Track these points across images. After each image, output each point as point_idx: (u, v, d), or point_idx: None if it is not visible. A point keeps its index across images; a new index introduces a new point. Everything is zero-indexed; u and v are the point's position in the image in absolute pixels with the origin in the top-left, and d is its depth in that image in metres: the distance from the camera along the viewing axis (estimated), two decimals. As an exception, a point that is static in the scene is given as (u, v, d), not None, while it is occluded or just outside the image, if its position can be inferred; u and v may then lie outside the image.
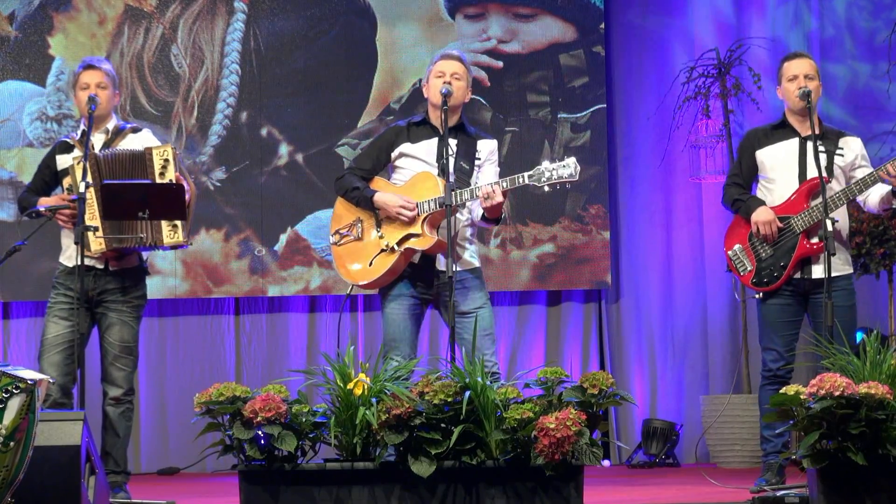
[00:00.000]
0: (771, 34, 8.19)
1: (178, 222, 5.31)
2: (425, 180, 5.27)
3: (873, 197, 5.55)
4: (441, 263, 5.27)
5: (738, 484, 5.69)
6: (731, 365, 8.07)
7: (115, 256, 5.43)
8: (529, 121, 8.17)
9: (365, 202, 5.36)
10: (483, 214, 5.29)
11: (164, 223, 5.30)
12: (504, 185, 5.17)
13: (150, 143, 5.56)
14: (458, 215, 5.31)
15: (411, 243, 5.25)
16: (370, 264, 5.31)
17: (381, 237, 5.31)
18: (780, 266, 5.54)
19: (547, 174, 5.15)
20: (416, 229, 5.25)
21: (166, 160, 5.34)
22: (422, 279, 5.30)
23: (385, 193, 5.33)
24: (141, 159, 5.37)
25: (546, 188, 5.18)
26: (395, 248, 5.26)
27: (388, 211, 5.29)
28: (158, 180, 5.28)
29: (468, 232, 5.41)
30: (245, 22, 8.29)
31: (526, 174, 5.18)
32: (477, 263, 5.42)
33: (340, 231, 5.44)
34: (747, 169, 5.72)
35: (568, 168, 5.13)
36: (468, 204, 5.34)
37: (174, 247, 5.42)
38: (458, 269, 5.30)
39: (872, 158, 5.79)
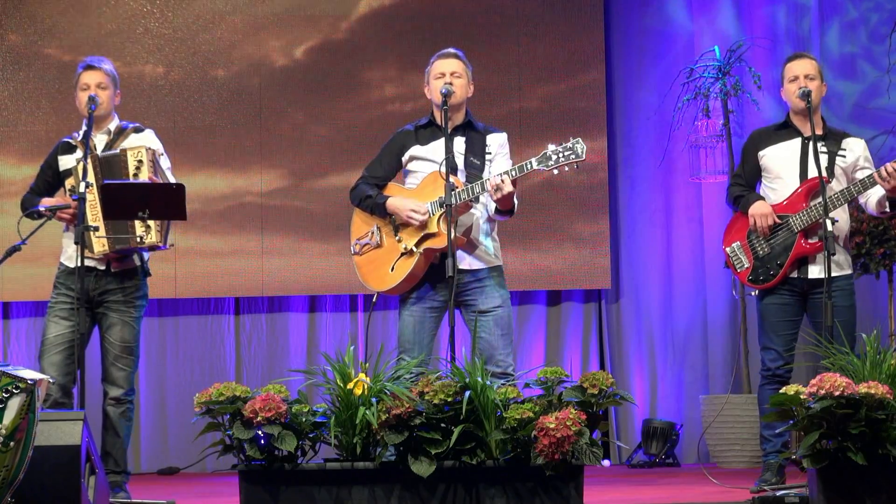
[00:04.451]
0: (771, 34, 8.19)
1: (152, 224, 5.31)
2: (436, 180, 5.27)
3: (872, 199, 5.56)
4: (462, 263, 5.27)
5: (738, 484, 5.69)
6: (731, 365, 8.08)
7: (117, 258, 5.43)
8: (529, 121, 8.16)
9: (379, 209, 5.36)
10: (497, 207, 5.28)
11: (137, 225, 5.28)
12: (513, 173, 5.17)
13: (152, 143, 5.56)
14: (472, 211, 5.31)
15: (430, 243, 5.25)
16: (392, 269, 5.31)
17: (399, 241, 5.31)
18: (777, 264, 5.55)
19: (554, 157, 5.13)
20: (432, 229, 5.25)
21: (140, 161, 5.34)
22: (441, 281, 5.28)
23: (396, 198, 5.33)
24: (116, 161, 5.37)
25: (555, 171, 5.17)
26: (415, 249, 5.26)
27: (399, 215, 5.29)
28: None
29: (486, 228, 5.40)
30: (245, 27, 8.30)
31: (534, 159, 5.17)
32: (497, 261, 5.41)
33: (360, 241, 5.44)
34: (750, 169, 5.74)
35: (574, 149, 5.11)
36: (482, 199, 5.33)
37: (150, 248, 5.41)
38: (479, 266, 5.31)
39: (872, 157, 5.80)
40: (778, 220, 5.56)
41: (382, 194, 5.40)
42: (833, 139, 5.63)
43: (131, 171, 5.33)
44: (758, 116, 7.78)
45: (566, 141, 5.14)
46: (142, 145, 5.42)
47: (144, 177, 5.31)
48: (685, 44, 8.26)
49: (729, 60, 7.88)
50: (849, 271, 5.60)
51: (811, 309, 5.58)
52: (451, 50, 5.47)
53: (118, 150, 5.41)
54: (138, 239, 5.30)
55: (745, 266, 5.65)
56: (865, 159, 5.66)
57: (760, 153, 5.70)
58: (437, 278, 5.29)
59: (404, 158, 5.45)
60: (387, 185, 5.46)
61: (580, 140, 5.12)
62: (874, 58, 8.18)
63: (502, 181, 5.12)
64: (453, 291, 5.03)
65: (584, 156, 5.10)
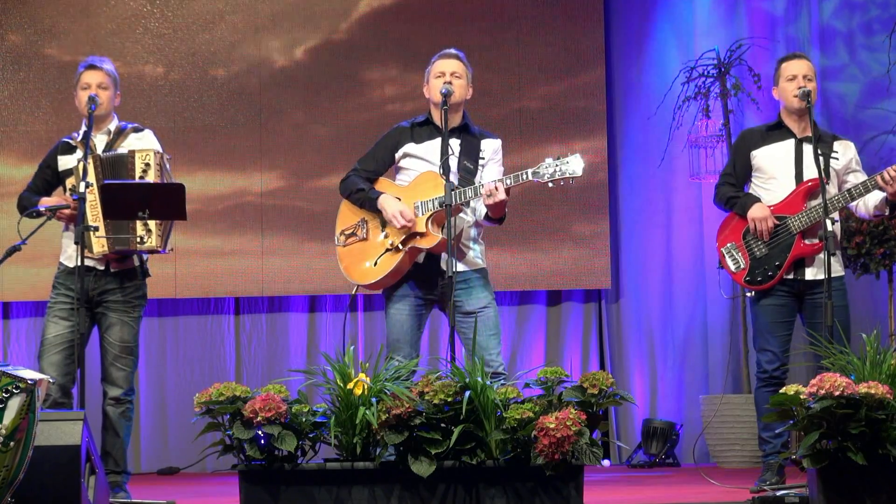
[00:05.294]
0: (771, 34, 8.19)
1: (153, 227, 5.30)
2: (429, 180, 5.27)
3: (869, 202, 5.55)
4: (447, 264, 5.26)
5: (738, 484, 5.69)
6: (731, 365, 8.07)
7: (117, 258, 5.43)
8: (529, 121, 8.17)
9: (369, 203, 5.36)
10: (487, 213, 5.28)
11: (138, 227, 5.28)
12: (507, 181, 5.16)
13: (152, 144, 5.56)
14: (461, 215, 5.30)
15: (416, 242, 5.25)
16: (375, 264, 5.30)
17: (385, 237, 5.31)
18: (775, 265, 5.54)
19: (551, 170, 5.13)
20: (420, 228, 5.24)
21: (147, 164, 5.34)
22: (426, 280, 5.29)
23: (388, 197, 5.32)
24: (122, 162, 5.37)
25: (550, 184, 5.16)
26: (400, 247, 5.26)
27: (385, 215, 5.28)
28: None
29: (473, 232, 5.39)
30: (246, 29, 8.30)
31: (529, 170, 5.16)
32: (482, 263, 5.40)
33: (345, 232, 5.43)
34: (741, 169, 5.72)
35: (572, 164, 5.10)
36: (472, 203, 5.32)
37: (149, 251, 5.40)
38: (464, 268, 5.30)
39: (872, 157, 5.80)
40: (777, 222, 5.55)
41: (375, 189, 5.39)
42: (826, 141, 5.62)
43: (138, 173, 5.33)
44: (758, 116, 7.78)
45: (565, 154, 5.13)
46: (151, 149, 5.42)
47: (150, 180, 5.30)
48: (685, 44, 8.26)
49: (729, 60, 7.88)
50: (841, 272, 5.60)
51: (807, 310, 5.57)
52: (453, 50, 5.47)
53: (126, 152, 5.40)
54: (138, 240, 5.30)
55: (742, 267, 5.63)
56: (856, 162, 5.66)
57: (753, 153, 5.68)
58: (422, 277, 5.30)
59: (398, 155, 5.44)
60: (378, 180, 5.46)
61: (578, 156, 5.10)
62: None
63: (496, 188, 5.12)
64: (452, 291, 5.02)
65: (580, 172, 5.09)
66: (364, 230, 5.38)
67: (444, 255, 5.25)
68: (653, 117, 8.17)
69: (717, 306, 8.14)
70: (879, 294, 7.82)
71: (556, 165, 5.12)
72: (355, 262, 5.37)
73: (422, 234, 5.24)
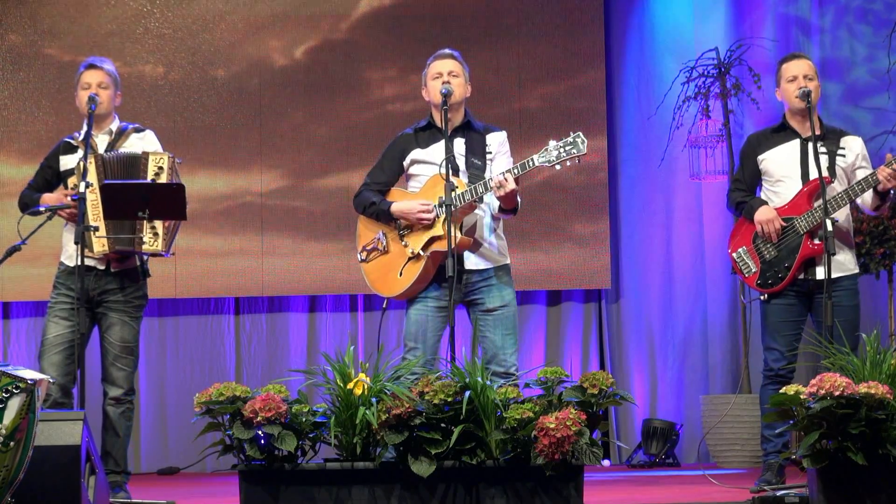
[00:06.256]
0: (771, 34, 8.19)
1: (160, 230, 5.30)
2: (439, 182, 5.25)
3: (866, 197, 5.55)
4: (468, 262, 5.27)
5: (738, 484, 5.69)
6: (732, 365, 8.08)
7: (118, 258, 5.43)
8: (529, 121, 8.16)
9: (384, 215, 5.36)
10: (500, 206, 5.28)
11: (146, 228, 5.28)
12: (515, 171, 5.16)
13: (153, 144, 5.56)
14: (477, 211, 5.30)
15: (436, 246, 5.25)
16: (400, 274, 5.31)
17: (405, 246, 5.31)
18: (785, 267, 5.53)
19: (556, 153, 5.12)
20: (438, 231, 5.24)
21: (160, 167, 5.34)
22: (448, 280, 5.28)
23: (402, 202, 5.32)
24: (136, 162, 5.37)
25: (557, 167, 5.16)
26: (421, 253, 5.26)
27: (409, 218, 5.28)
28: None
29: (491, 226, 5.39)
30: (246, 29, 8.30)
31: (535, 156, 5.16)
32: (504, 259, 5.41)
33: (366, 248, 5.43)
34: (750, 174, 5.71)
35: (576, 143, 5.10)
36: (485, 199, 5.33)
37: (153, 254, 5.40)
38: (486, 265, 5.32)
39: (872, 158, 5.79)
40: (784, 224, 5.55)
41: (386, 200, 5.39)
42: (832, 138, 5.61)
43: (150, 175, 5.34)
44: (758, 116, 7.78)
45: (567, 137, 5.14)
46: (164, 152, 5.43)
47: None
48: (685, 44, 8.26)
49: (729, 60, 7.88)
50: (855, 270, 5.59)
51: (816, 309, 5.56)
52: (447, 51, 5.46)
53: (140, 153, 5.41)
54: (141, 241, 5.29)
55: (753, 271, 5.62)
56: (864, 158, 5.65)
57: (760, 157, 5.68)
58: (444, 278, 5.30)
59: (405, 163, 5.44)
60: (390, 191, 5.46)
61: (581, 134, 5.11)
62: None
63: (505, 179, 5.12)
64: (453, 291, 5.03)
65: (585, 150, 5.09)
66: (384, 243, 5.38)
67: (467, 254, 5.26)
68: (653, 117, 8.17)
69: (718, 306, 8.14)
70: (879, 294, 7.82)
71: (561, 147, 5.12)
72: (381, 275, 5.37)
73: (440, 237, 5.23)
